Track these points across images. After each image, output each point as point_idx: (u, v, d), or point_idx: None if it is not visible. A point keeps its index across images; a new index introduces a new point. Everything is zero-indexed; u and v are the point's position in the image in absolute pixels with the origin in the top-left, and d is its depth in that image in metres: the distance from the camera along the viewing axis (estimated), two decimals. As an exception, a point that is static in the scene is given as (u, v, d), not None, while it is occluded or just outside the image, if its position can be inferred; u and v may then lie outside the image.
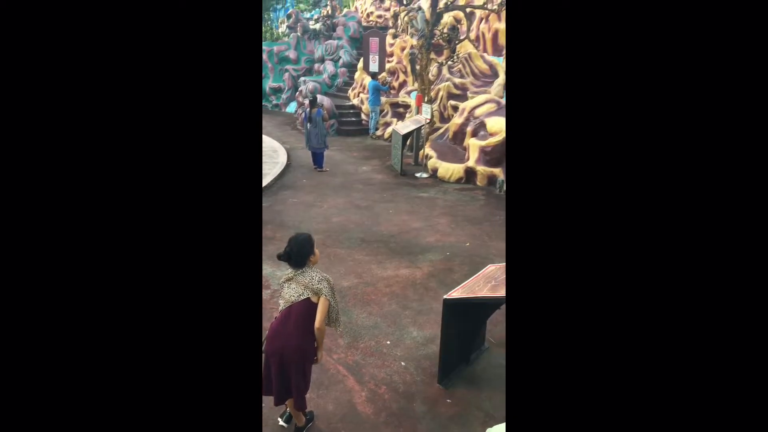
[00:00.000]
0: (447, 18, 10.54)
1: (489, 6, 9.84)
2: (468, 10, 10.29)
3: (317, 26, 15.29)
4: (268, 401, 2.68)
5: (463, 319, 3.21)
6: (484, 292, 2.96)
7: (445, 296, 3.11)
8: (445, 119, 9.63)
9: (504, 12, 10.34)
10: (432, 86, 9.85)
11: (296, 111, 13.88)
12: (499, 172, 7.67)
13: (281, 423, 2.81)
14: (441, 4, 9.39)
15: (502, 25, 10.60)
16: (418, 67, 9.66)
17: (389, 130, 11.02)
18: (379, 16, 15.92)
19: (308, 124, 8.51)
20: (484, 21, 11.02)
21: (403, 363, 3.46)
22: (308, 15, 18.02)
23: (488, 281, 3.16)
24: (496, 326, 3.88)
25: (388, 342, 3.72)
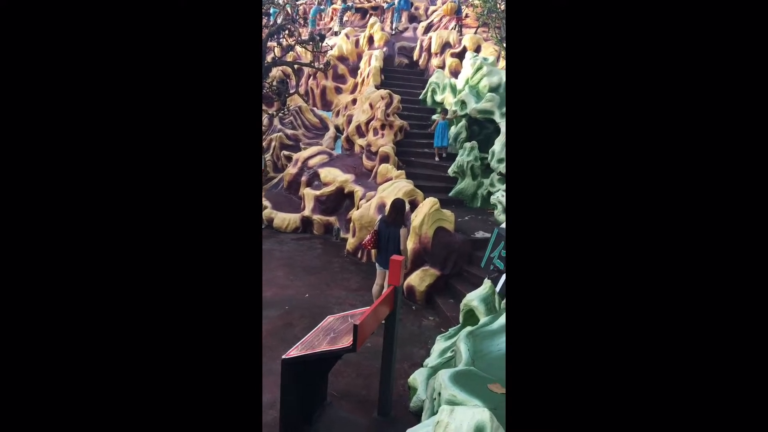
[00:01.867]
0: (275, 72, 10.76)
1: (316, 64, 10.42)
2: (296, 66, 10.70)
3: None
4: None
5: (303, 378, 3.08)
6: (324, 346, 2.91)
7: (283, 356, 2.95)
8: (278, 169, 9.60)
9: (330, 72, 11.06)
10: (264, 136, 9.79)
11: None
12: (335, 221, 7.89)
13: None
14: (269, 59, 9.57)
15: (329, 83, 11.30)
16: (248, 117, 9.51)
17: (220, 179, 10.46)
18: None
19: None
20: (312, 78, 11.60)
21: (240, 438, 3.12)
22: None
23: (327, 334, 3.13)
24: (337, 378, 3.84)
25: (223, 416, 3.32)
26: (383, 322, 3.35)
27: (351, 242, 6.99)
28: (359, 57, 11.35)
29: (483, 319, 3.75)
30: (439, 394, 2.66)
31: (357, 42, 11.84)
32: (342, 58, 11.48)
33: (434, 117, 8.67)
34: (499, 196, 7.05)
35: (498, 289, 3.79)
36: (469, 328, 3.53)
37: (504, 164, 7.62)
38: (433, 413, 2.69)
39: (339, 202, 7.97)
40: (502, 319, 3.37)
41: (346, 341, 2.78)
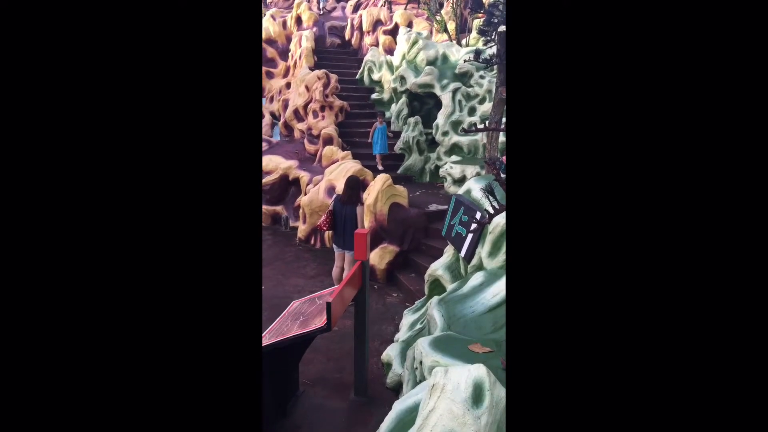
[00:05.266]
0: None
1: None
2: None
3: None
4: None
5: (273, 367, 2.88)
6: (295, 330, 2.73)
7: (250, 347, 2.73)
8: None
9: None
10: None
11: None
12: (282, 210, 7.57)
13: None
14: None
15: (259, 68, 10.76)
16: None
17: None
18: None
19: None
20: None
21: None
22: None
23: (296, 318, 2.94)
24: (307, 366, 3.66)
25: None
26: (351, 301, 3.21)
27: (302, 229, 6.74)
28: (288, 39, 10.87)
29: (451, 286, 3.72)
30: (420, 362, 2.57)
31: (284, 23, 11.32)
32: (270, 41, 10.95)
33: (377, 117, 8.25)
34: (448, 168, 7.08)
35: (462, 254, 3.77)
36: (438, 297, 3.48)
37: (449, 137, 7.66)
38: (416, 383, 2.61)
39: (284, 190, 7.65)
40: (471, 282, 3.35)
41: (320, 321, 2.61)
